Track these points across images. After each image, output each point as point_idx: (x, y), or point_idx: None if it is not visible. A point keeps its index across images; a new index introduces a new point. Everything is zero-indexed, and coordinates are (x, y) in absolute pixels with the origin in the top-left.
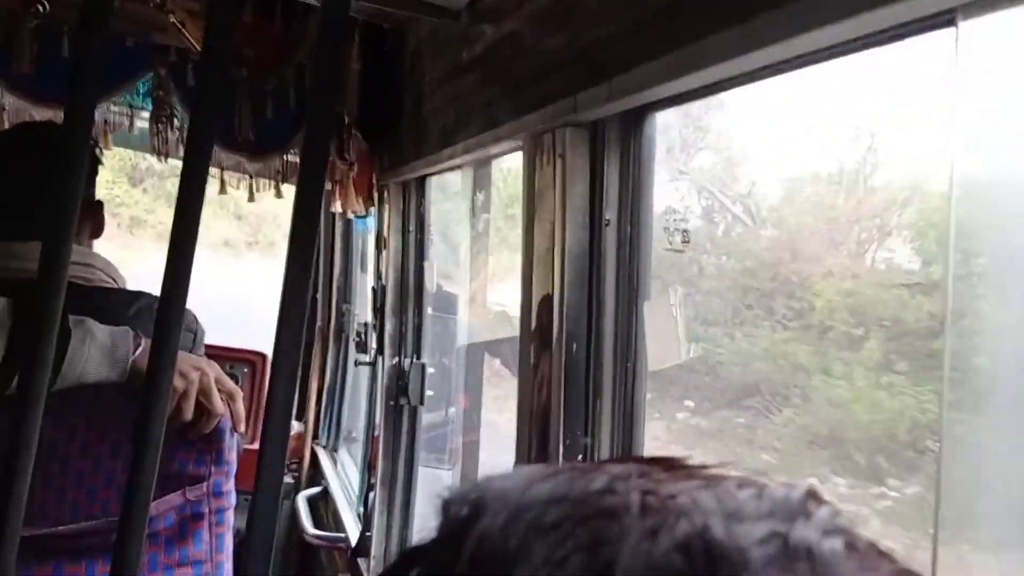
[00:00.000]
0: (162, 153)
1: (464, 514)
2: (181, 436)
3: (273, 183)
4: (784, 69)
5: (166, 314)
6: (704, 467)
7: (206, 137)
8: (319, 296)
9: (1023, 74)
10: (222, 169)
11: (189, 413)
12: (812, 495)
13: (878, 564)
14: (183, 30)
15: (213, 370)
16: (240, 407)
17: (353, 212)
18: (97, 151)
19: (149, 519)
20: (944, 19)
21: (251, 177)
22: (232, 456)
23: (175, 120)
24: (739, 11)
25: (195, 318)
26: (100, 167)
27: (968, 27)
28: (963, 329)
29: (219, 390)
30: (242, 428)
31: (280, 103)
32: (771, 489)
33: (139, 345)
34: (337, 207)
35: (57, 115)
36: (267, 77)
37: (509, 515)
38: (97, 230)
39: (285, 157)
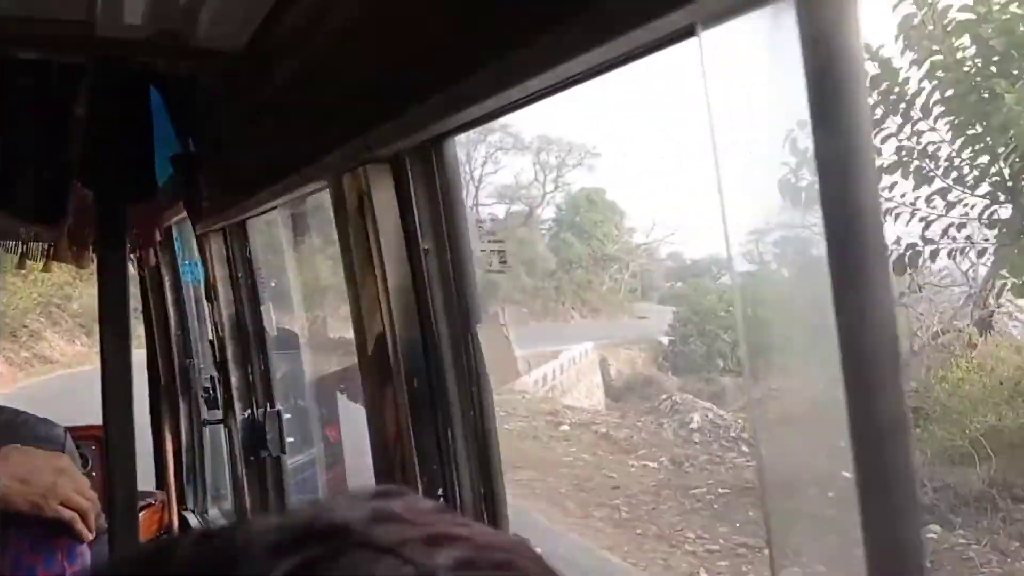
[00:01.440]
0: None
1: None
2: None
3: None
4: (562, 88)
5: None
6: None
7: None
8: (158, 355)
9: (763, 75)
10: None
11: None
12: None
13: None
14: None
15: (69, 480)
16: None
17: (80, 265)
18: None
19: None
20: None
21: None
22: (84, 547)
23: None
24: (519, 37)
25: (64, 432)
26: None
27: (709, 37)
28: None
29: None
30: (88, 533)
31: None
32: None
33: None
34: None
35: None
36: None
37: None
38: None
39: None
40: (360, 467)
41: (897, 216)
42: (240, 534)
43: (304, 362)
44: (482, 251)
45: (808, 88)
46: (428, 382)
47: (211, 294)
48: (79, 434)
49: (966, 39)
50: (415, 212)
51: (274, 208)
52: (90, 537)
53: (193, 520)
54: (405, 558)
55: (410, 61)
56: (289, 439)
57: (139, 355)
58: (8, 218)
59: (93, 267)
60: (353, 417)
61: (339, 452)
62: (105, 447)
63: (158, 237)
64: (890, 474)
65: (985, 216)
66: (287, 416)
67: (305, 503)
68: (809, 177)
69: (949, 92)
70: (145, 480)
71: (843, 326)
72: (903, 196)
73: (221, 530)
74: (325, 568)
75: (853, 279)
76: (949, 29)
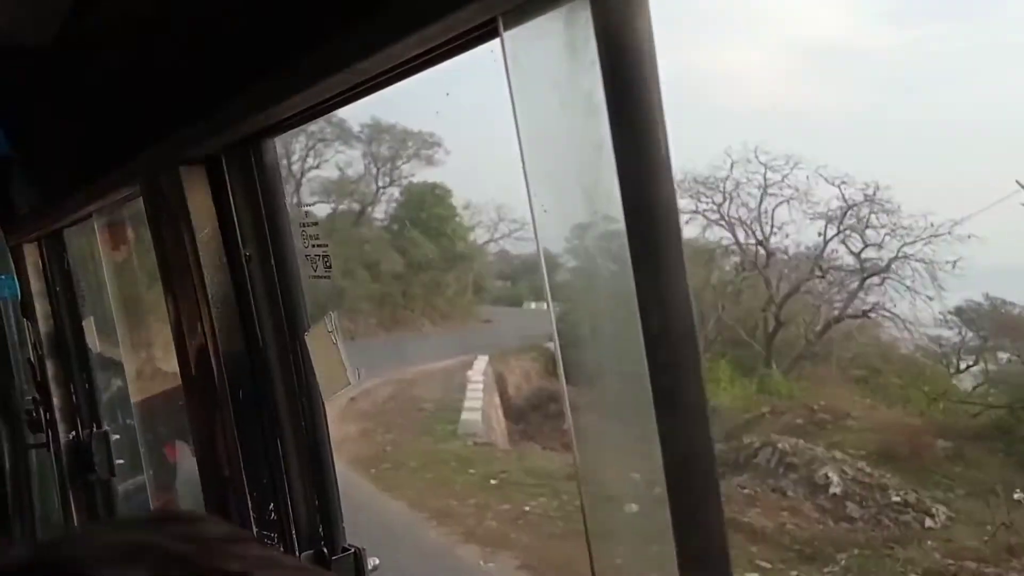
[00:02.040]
0: None
1: None
2: None
3: None
4: (377, 86)
5: None
6: None
7: None
8: None
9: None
10: None
11: None
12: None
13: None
14: None
15: None
16: None
17: None
18: None
19: None
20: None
21: None
22: None
23: None
24: (325, 33)
25: None
26: None
27: (511, 35)
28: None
29: None
30: None
31: None
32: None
33: None
34: None
35: None
36: None
37: None
38: None
39: None
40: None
41: None
42: None
43: (129, 382)
44: (306, 256)
45: (604, 83)
46: (254, 394)
47: (28, 310)
48: None
49: None
50: (234, 216)
51: (89, 216)
52: None
53: None
54: None
55: (220, 58)
56: (118, 461)
57: None
58: None
59: None
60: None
61: (173, 474)
62: None
63: None
64: (691, 457)
65: None
66: (115, 437)
67: (37, 542)
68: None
69: None
70: None
71: (644, 313)
72: None
73: None
74: None
75: (652, 266)
76: None
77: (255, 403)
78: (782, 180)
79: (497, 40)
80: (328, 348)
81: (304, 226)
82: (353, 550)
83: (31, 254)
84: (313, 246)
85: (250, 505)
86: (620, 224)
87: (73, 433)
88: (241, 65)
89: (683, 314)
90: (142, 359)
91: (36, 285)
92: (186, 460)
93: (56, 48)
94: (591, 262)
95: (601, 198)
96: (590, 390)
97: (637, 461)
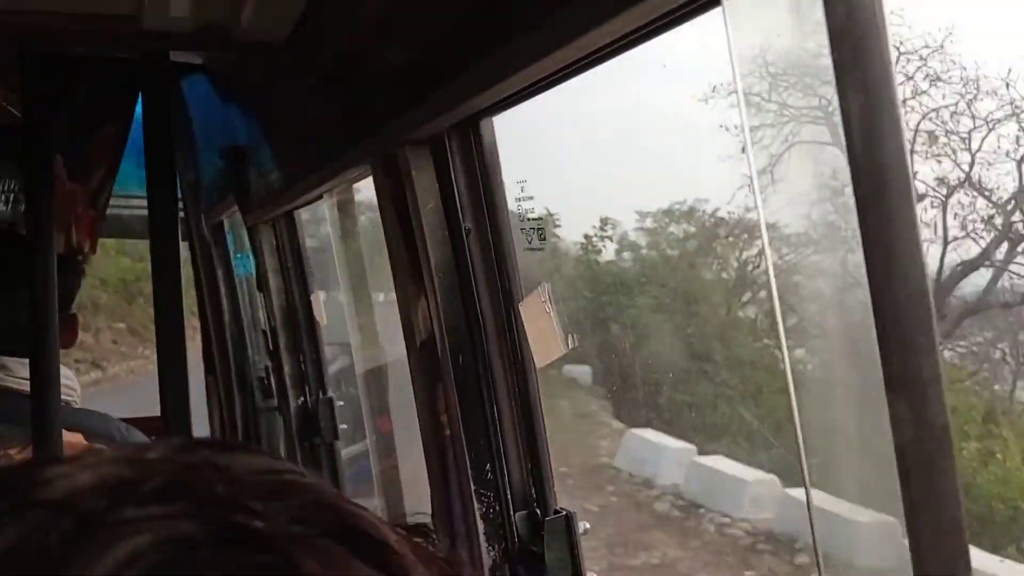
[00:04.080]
0: None
1: None
2: None
3: None
4: (593, 62)
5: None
6: None
7: (46, 204)
8: (213, 346)
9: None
10: None
11: None
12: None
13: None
14: (6, 105)
15: None
16: None
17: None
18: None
19: None
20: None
21: None
22: None
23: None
24: (544, 9)
25: (121, 426)
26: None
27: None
28: None
29: None
30: None
31: None
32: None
33: None
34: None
35: None
36: None
37: None
38: (69, 341)
39: None
40: (413, 455)
41: None
42: None
43: (354, 353)
44: (521, 229)
45: (831, 45)
46: (473, 360)
47: (263, 285)
48: (137, 426)
49: None
50: (456, 193)
51: (320, 198)
52: None
53: None
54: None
55: (441, 42)
56: (342, 426)
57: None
58: None
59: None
60: (403, 407)
61: (391, 443)
62: (165, 423)
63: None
64: None
65: None
66: (340, 404)
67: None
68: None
69: None
70: None
71: (874, 288)
72: None
73: None
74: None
75: (883, 237)
76: None
77: (473, 369)
78: None
79: (719, 7)
80: (541, 317)
81: (520, 200)
82: (564, 513)
83: (266, 233)
84: (528, 219)
85: (468, 464)
86: (849, 196)
87: (301, 399)
88: (462, 48)
89: (917, 288)
90: (366, 333)
91: (270, 262)
92: (399, 430)
93: (290, 43)
94: (820, 233)
95: (828, 168)
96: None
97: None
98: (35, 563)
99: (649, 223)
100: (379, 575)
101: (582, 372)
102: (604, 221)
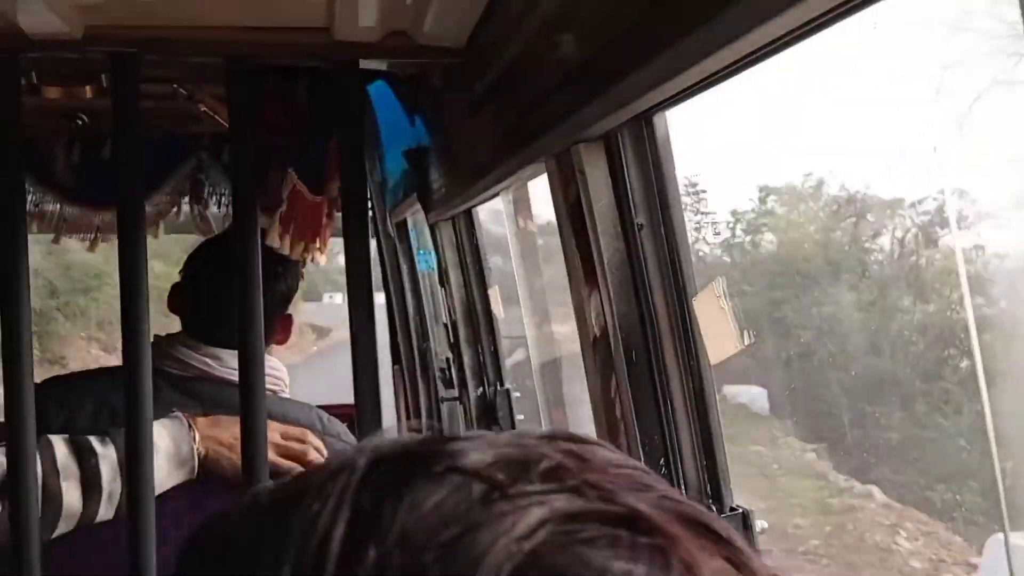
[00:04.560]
0: (205, 231)
1: None
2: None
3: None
4: (762, 56)
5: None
6: None
7: (250, 206)
8: (399, 338)
9: None
10: None
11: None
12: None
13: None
14: (214, 115)
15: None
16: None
17: (304, 257)
18: (301, 267)
19: None
20: None
21: None
22: None
23: (216, 197)
24: (713, 4)
25: (318, 414)
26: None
27: None
28: None
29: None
30: None
31: None
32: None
33: (194, 436)
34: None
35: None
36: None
37: None
38: (282, 339)
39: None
40: None
41: None
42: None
43: (530, 347)
44: (695, 225)
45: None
46: (647, 356)
47: (444, 279)
48: (332, 412)
49: None
50: (628, 188)
51: (496, 195)
52: None
53: None
54: (506, 494)
55: (615, 38)
56: (519, 417)
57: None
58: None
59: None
60: (576, 400)
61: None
62: (357, 424)
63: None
64: None
65: None
66: (516, 395)
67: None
68: None
69: None
70: None
71: None
72: None
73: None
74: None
75: None
76: None
77: (646, 364)
78: None
79: None
80: (716, 312)
81: (693, 194)
82: (741, 511)
83: (446, 231)
84: (699, 212)
85: (642, 458)
86: None
87: (480, 389)
88: (636, 43)
89: None
90: (542, 328)
91: (451, 258)
92: (576, 421)
93: (469, 46)
94: None
95: None
96: None
97: None
98: (459, 518)
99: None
100: (727, 567)
101: (754, 396)
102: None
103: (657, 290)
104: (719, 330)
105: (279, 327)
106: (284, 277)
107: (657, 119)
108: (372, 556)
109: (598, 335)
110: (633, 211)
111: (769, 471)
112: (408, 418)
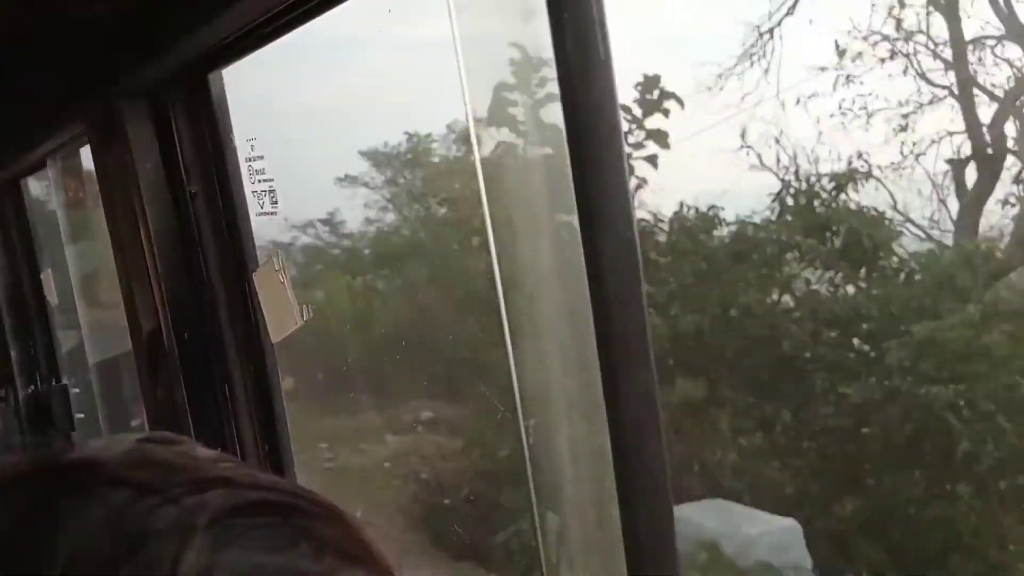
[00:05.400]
0: None
1: None
2: None
3: None
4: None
5: None
6: None
7: None
8: None
9: None
10: None
11: None
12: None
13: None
14: None
15: None
16: None
17: None
18: None
19: None
20: None
21: None
22: None
23: None
24: None
25: None
26: None
27: None
28: None
29: None
30: None
31: None
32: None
33: None
34: None
35: None
36: None
37: None
38: None
39: None
40: None
41: None
42: None
43: (86, 338)
44: (253, 192)
45: None
46: (201, 335)
47: None
48: None
49: None
50: (179, 152)
51: (44, 165)
52: None
53: None
54: (167, 497)
55: None
56: (79, 415)
57: None
58: None
59: None
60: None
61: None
62: None
63: None
64: None
65: None
66: (75, 391)
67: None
68: None
69: None
70: None
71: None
72: None
73: None
74: (65, 502)
75: (592, 171)
76: None
77: (202, 343)
78: None
79: None
80: (276, 288)
81: (250, 160)
82: None
83: None
84: (259, 181)
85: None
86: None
87: (31, 387)
88: None
89: (625, 226)
90: (98, 315)
91: None
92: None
93: None
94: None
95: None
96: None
97: None
98: (129, 530)
99: None
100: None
101: None
102: None
103: (213, 264)
104: (280, 306)
105: None
106: None
107: (212, 76)
108: None
109: (147, 317)
110: (186, 177)
111: None
112: None
